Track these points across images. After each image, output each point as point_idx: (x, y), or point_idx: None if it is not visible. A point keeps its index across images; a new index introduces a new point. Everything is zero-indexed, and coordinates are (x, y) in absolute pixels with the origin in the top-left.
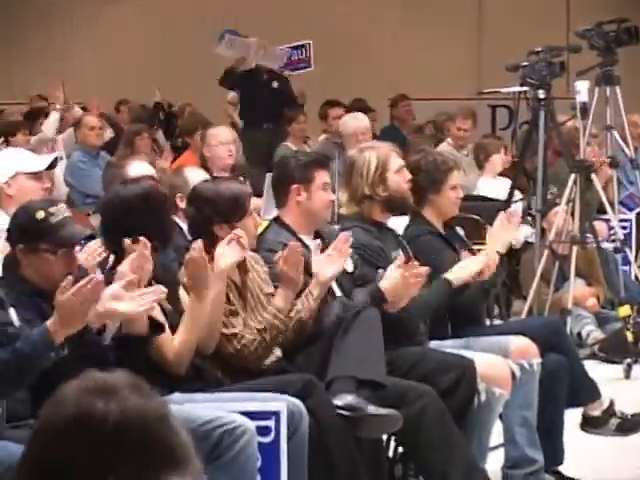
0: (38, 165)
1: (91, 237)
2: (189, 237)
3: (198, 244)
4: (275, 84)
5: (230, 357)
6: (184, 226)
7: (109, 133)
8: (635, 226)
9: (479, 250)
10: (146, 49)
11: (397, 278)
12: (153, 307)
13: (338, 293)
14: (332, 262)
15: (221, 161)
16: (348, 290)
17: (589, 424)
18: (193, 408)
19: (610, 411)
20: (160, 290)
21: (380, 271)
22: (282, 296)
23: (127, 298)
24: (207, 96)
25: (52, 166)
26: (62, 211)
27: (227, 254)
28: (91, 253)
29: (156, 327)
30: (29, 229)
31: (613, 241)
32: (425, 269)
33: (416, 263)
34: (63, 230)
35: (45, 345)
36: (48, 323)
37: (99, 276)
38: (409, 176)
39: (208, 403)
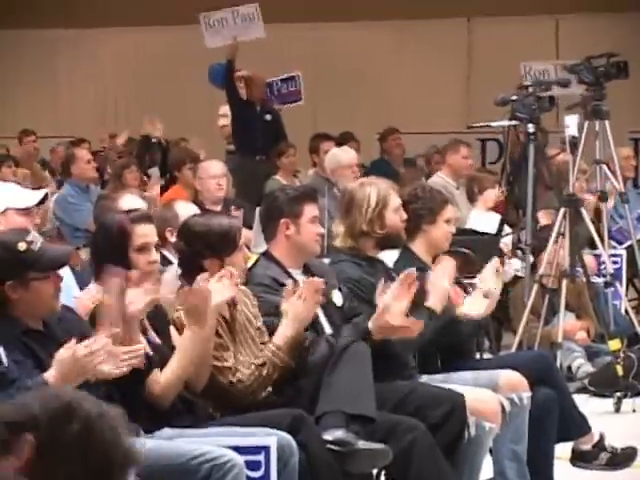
0: (28, 201)
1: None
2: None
3: (204, 276)
4: (268, 117)
5: (223, 390)
6: (173, 259)
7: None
8: (625, 261)
9: (469, 284)
10: (138, 83)
11: (385, 325)
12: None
13: (328, 329)
14: (304, 306)
15: (212, 194)
16: (338, 324)
17: (579, 458)
18: (182, 443)
19: (600, 445)
20: (140, 350)
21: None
22: (283, 333)
23: (110, 359)
24: (203, 130)
25: (42, 202)
26: (37, 237)
27: (218, 291)
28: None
29: (148, 363)
30: (15, 263)
31: (603, 275)
32: (419, 323)
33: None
34: (47, 254)
35: None
36: (46, 376)
37: (103, 340)
38: (405, 216)
39: (198, 438)
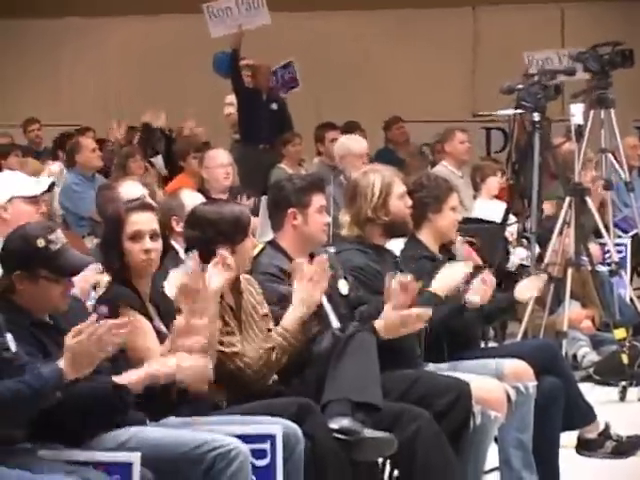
0: (35, 189)
1: None
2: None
3: (194, 255)
4: (274, 105)
5: (233, 376)
6: (180, 249)
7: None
8: (630, 249)
9: (476, 272)
10: (143, 72)
11: (395, 320)
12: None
13: (334, 320)
14: (314, 286)
15: (219, 183)
16: (343, 313)
17: (584, 447)
18: (187, 431)
19: (606, 434)
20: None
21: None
22: (292, 316)
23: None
24: (208, 120)
25: (49, 190)
26: (60, 238)
27: (215, 276)
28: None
29: None
30: (28, 256)
31: (608, 264)
32: (428, 312)
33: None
34: (63, 258)
35: (56, 384)
36: (60, 363)
37: (107, 321)
38: (410, 202)
39: (203, 426)
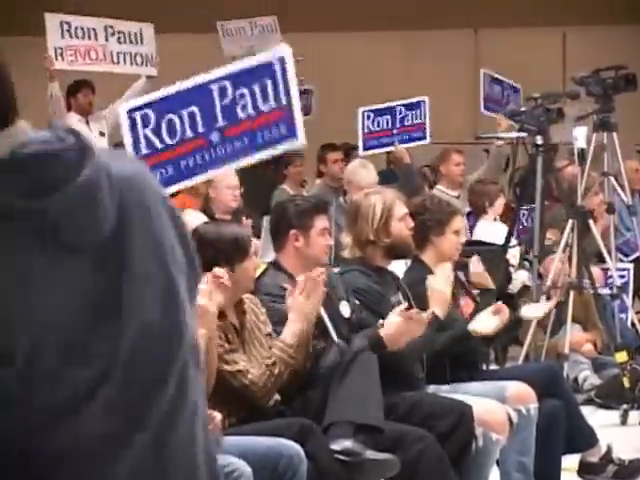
0: None
1: None
2: None
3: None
4: None
5: (237, 394)
6: None
7: None
8: (633, 274)
9: (479, 295)
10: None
11: (398, 324)
12: None
13: (335, 339)
14: (308, 300)
15: (225, 204)
16: (345, 335)
17: (586, 470)
18: None
19: (608, 457)
20: None
21: (380, 322)
22: (290, 330)
23: None
24: None
25: None
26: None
27: (210, 296)
28: None
29: None
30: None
31: (610, 288)
32: (427, 314)
33: (415, 310)
34: None
35: None
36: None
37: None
38: (412, 224)
39: None
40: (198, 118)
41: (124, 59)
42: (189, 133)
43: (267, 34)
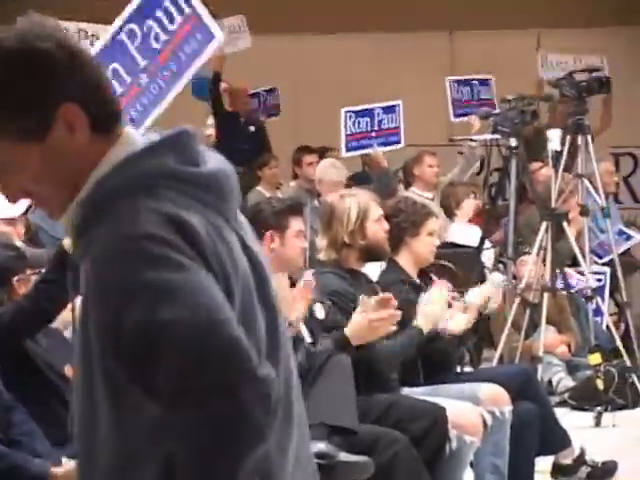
0: (13, 211)
1: None
2: None
3: None
4: (252, 128)
5: None
6: None
7: None
8: (609, 278)
9: (453, 298)
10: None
11: (362, 322)
12: None
13: (308, 339)
14: (295, 306)
15: None
16: (318, 336)
17: (560, 472)
18: None
19: (581, 459)
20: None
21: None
22: None
23: None
24: None
25: (26, 212)
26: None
27: None
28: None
29: None
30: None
31: (584, 290)
32: (396, 314)
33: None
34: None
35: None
36: (52, 470)
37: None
38: (387, 226)
39: None
40: (122, 72)
41: None
42: (120, 89)
43: (236, 34)
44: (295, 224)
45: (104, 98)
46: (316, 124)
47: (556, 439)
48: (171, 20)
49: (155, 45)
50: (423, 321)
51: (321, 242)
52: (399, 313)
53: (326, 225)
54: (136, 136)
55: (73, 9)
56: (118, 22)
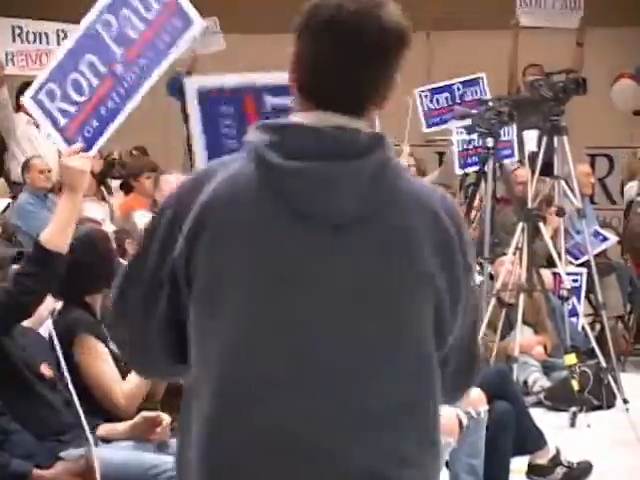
0: None
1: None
2: None
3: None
4: None
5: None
6: None
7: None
8: (586, 279)
9: None
10: None
11: None
12: None
13: None
14: None
15: None
16: None
17: (535, 472)
18: (140, 453)
19: (556, 460)
20: None
21: None
22: None
23: None
24: (157, 143)
25: (3, 211)
26: None
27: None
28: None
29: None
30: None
31: (559, 291)
32: None
33: None
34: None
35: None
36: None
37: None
38: None
39: (157, 449)
40: (97, 63)
41: None
42: (95, 81)
43: (209, 36)
44: None
45: None
46: None
47: (532, 439)
48: (147, 8)
49: (132, 35)
50: None
51: None
52: None
53: None
54: None
55: (55, 10)
56: (92, 13)
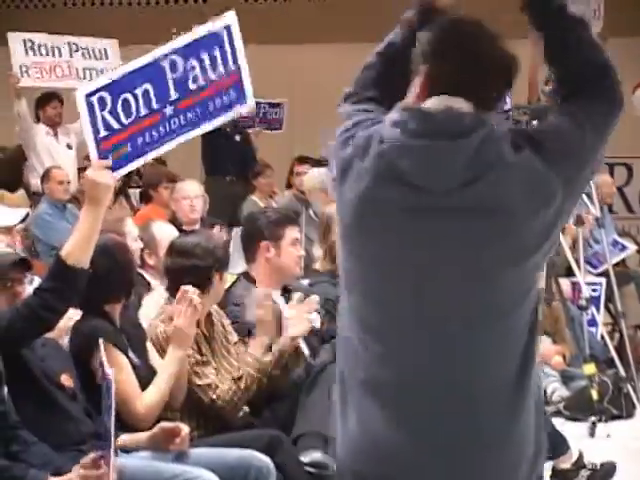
0: (10, 219)
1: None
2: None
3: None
4: (237, 137)
5: (206, 408)
6: (152, 281)
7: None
8: (605, 288)
9: None
10: None
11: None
12: None
13: (306, 351)
14: (299, 322)
15: (185, 215)
16: (315, 346)
17: (560, 477)
18: (159, 463)
19: (580, 463)
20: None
21: None
22: (257, 343)
23: None
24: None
25: (22, 221)
26: None
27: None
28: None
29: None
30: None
31: (579, 301)
32: None
33: None
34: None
35: None
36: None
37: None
38: None
39: (176, 458)
40: (152, 95)
41: (90, 75)
42: (144, 110)
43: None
44: (290, 233)
45: None
46: (311, 135)
47: (554, 445)
48: (214, 69)
49: (192, 86)
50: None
51: (318, 252)
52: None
53: (322, 235)
54: None
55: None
56: (166, 47)
